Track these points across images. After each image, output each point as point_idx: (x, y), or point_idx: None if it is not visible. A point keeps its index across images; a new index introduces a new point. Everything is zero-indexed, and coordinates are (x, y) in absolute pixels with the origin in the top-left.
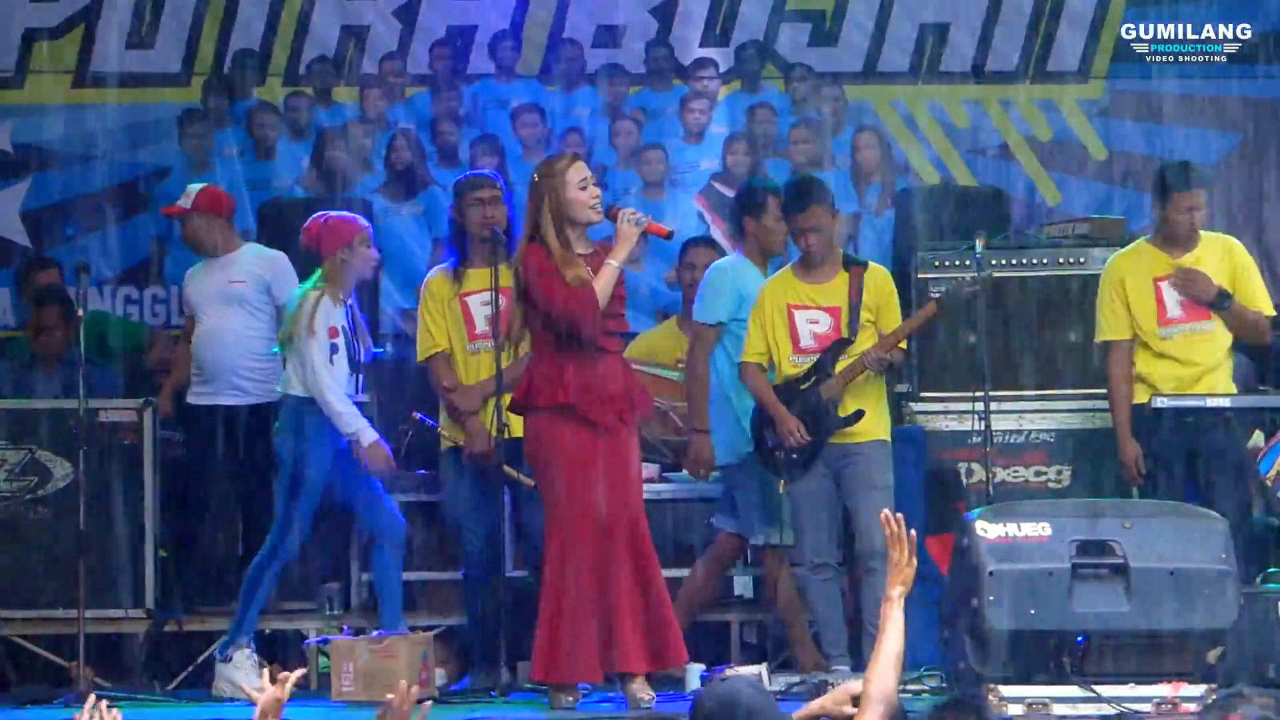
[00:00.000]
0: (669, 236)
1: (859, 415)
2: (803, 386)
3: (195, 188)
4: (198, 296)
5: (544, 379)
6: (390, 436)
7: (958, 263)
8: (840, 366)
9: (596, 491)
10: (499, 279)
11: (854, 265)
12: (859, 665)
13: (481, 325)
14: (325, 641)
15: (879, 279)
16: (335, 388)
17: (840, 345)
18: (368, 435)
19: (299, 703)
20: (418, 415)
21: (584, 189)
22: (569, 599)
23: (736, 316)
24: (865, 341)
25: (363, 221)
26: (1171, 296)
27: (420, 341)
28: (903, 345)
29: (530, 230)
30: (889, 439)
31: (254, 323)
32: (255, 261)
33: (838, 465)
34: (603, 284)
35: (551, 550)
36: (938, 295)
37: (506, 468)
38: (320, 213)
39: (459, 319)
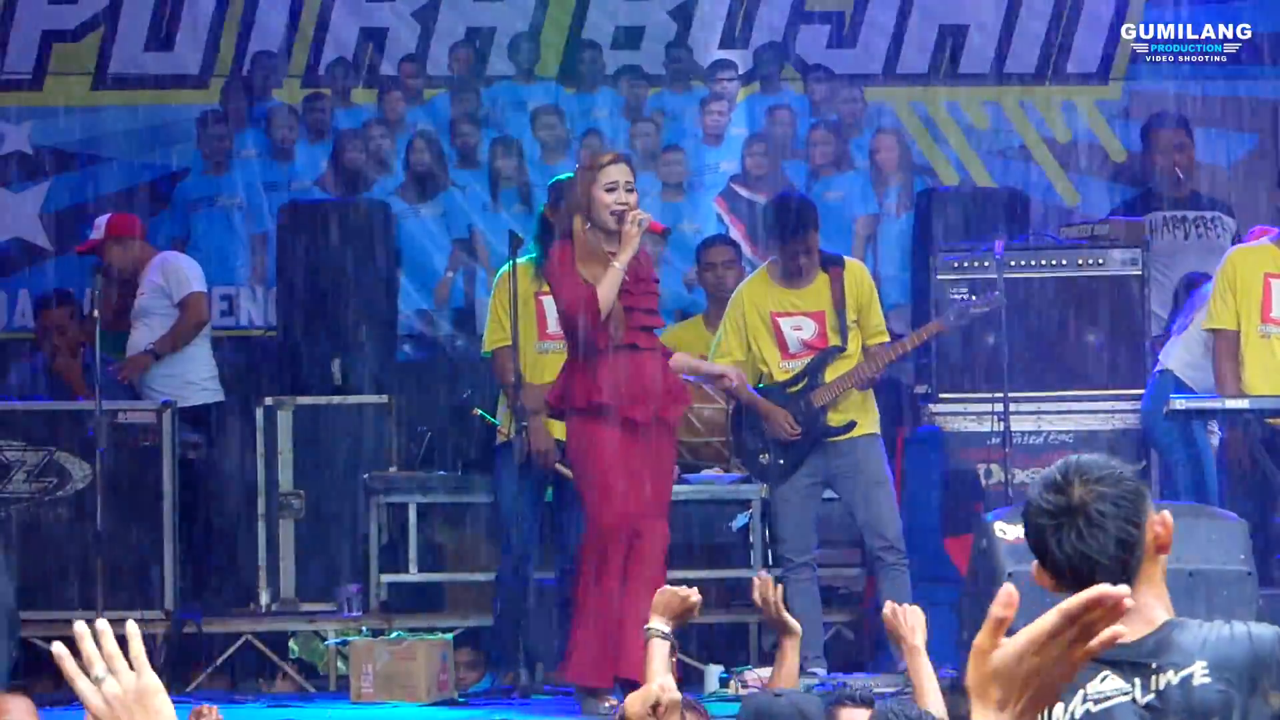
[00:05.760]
0: (664, 234)
1: (850, 426)
2: (790, 390)
3: (103, 219)
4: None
5: (578, 379)
6: (409, 439)
7: (977, 264)
8: (831, 375)
9: (633, 492)
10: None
11: (832, 265)
12: (864, 665)
13: (553, 326)
14: (345, 643)
15: (858, 277)
16: None
17: (832, 353)
18: None
19: (319, 704)
20: (478, 411)
21: (611, 190)
22: (605, 602)
23: None
24: (854, 343)
25: None
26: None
27: (489, 333)
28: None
29: (565, 224)
30: (878, 431)
31: (150, 335)
32: (154, 271)
33: (829, 466)
34: (606, 285)
35: (588, 552)
36: (945, 317)
37: (559, 466)
38: None
39: (532, 316)
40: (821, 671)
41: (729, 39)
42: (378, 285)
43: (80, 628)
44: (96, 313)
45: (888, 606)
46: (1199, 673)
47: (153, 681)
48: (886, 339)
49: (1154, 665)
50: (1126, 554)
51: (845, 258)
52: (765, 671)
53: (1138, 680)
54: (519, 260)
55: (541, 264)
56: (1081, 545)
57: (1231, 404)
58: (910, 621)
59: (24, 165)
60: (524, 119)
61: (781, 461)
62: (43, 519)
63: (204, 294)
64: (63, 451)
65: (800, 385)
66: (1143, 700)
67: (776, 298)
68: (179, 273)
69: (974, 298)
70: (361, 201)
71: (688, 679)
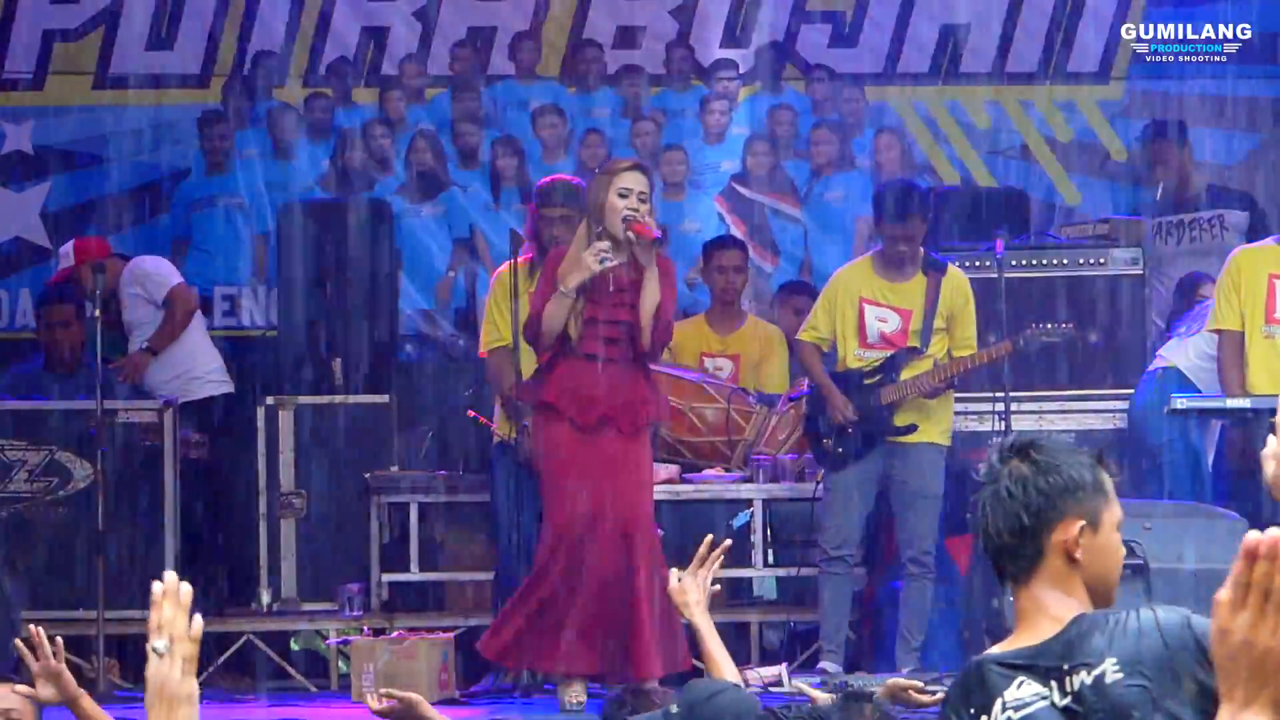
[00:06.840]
0: (655, 240)
1: (912, 429)
2: (866, 382)
3: (68, 246)
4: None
5: (538, 376)
6: (410, 438)
7: (977, 263)
8: (906, 374)
9: (574, 492)
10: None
11: (933, 269)
12: (861, 665)
13: None
14: (346, 643)
15: (956, 284)
16: None
17: (910, 354)
18: None
19: (322, 703)
20: (472, 413)
21: (623, 196)
22: (540, 590)
23: None
24: (937, 347)
25: None
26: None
27: (485, 334)
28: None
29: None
30: (945, 442)
31: (139, 342)
32: (127, 283)
33: (887, 464)
34: (549, 309)
35: (540, 545)
36: (1016, 340)
37: None
38: None
39: (526, 315)
40: (833, 667)
41: (730, 38)
42: (379, 285)
43: (169, 581)
44: (98, 311)
45: (673, 576)
46: (1110, 670)
47: (194, 689)
48: (971, 352)
49: (1065, 667)
50: (1018, 541)
51: (950, 264)
52: (766, 670)
53: (1053, 683)
54: (518, 260)
55: (534, 262)
56: (983, 515)
57: (1234, 403)
58: (688, 596)
59: (25, 165)
60: (525, 118)
61: (841, 450)
62: (44, 519)
63: (184, 284)
64: (64, 451)
65: (875, 379)
66: (1060, 703)
67: (871, 285)
68: (152, 276)
69: (1049, 325)
70: (362, 201)
71: (689, 678)
